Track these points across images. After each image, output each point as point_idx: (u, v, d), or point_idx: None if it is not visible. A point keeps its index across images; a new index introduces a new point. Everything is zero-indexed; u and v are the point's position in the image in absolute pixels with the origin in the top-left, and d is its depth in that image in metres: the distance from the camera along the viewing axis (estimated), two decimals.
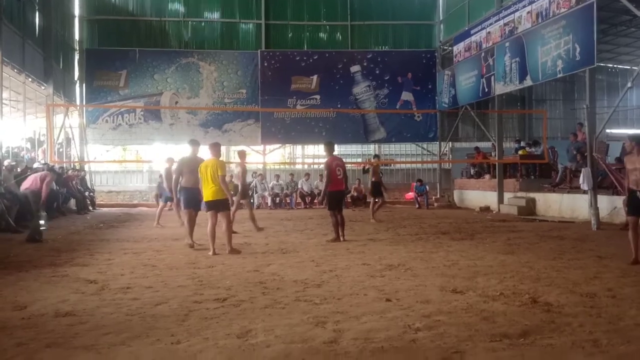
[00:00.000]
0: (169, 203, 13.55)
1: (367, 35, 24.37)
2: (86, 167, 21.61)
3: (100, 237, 10.99)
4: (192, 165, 9.07)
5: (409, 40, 24.32)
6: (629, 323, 4.42)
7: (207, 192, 8.59)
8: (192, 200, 9.22)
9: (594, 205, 12.17)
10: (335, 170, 10.15)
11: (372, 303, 5.16)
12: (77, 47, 22.61)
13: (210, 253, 8.46)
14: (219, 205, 8.63)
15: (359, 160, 24.02)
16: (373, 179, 14.61)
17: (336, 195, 10.33)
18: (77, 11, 22.64)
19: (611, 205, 12.91)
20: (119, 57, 22.51)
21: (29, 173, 13.44)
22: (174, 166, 10.73)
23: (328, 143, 10.65)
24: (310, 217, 15.97)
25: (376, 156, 20.69)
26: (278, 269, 7.13)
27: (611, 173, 12.91)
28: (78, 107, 21.84)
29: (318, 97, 23.37)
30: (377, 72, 23.54)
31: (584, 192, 13.30)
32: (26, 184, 12.55)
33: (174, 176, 9.57)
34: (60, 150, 19.34)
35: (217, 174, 8.51)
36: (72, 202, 17.77)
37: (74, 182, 17.95)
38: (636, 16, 13.23)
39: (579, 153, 14.97)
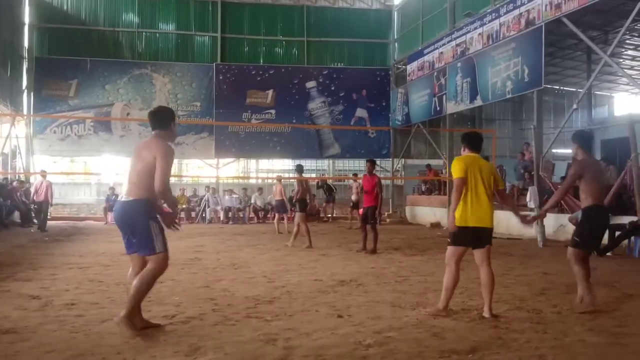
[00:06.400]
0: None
1: (323, 52, 24.52)
2: (31, 179, 20.92)
3: (45, 251, 10.62)
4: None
5: (364, 58, 24.59)
6: (573, 339, 4.53)
7: (480, 213, 5.23)
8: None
9: (540, 222, 12.47)
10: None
11: (323, 319, 5.14)
12: (26, 55, 21.96)
13: (441, 308, 5.36)
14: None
15: (313, 175, 24.05)
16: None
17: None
18: (27, 19, 22.00)
19: (557, 223, 13.28)
20: (69, 66, 21.95)
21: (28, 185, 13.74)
22: None
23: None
24: (263, 232, 15.86)
25: None
26: (229, 284, 7.03)
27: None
28: (25, 117, 21.17)
29: (273, 111, 23.33)
30: (333, 88, 23.71)
31: (531, 209, 13.65)
32: (41, 197, 15.72)
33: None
34: (5, 161, 18.69)
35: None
36: (16, 215, 17.19)
37: (18, 194, 17.36)
38: (582, 40, 13.73)
39: (526, 172, 15.38)
